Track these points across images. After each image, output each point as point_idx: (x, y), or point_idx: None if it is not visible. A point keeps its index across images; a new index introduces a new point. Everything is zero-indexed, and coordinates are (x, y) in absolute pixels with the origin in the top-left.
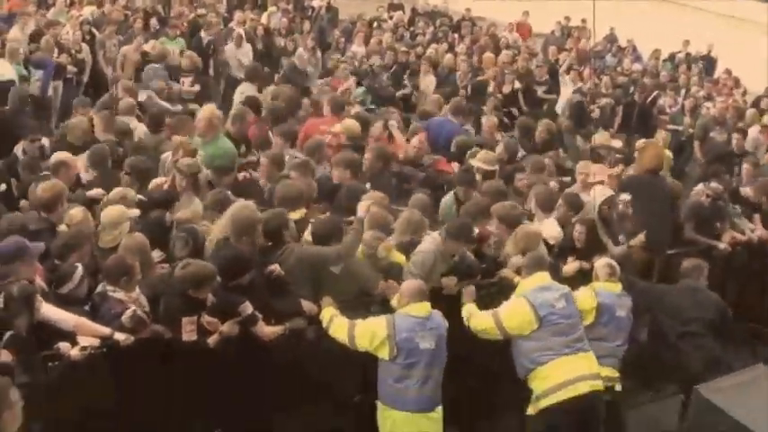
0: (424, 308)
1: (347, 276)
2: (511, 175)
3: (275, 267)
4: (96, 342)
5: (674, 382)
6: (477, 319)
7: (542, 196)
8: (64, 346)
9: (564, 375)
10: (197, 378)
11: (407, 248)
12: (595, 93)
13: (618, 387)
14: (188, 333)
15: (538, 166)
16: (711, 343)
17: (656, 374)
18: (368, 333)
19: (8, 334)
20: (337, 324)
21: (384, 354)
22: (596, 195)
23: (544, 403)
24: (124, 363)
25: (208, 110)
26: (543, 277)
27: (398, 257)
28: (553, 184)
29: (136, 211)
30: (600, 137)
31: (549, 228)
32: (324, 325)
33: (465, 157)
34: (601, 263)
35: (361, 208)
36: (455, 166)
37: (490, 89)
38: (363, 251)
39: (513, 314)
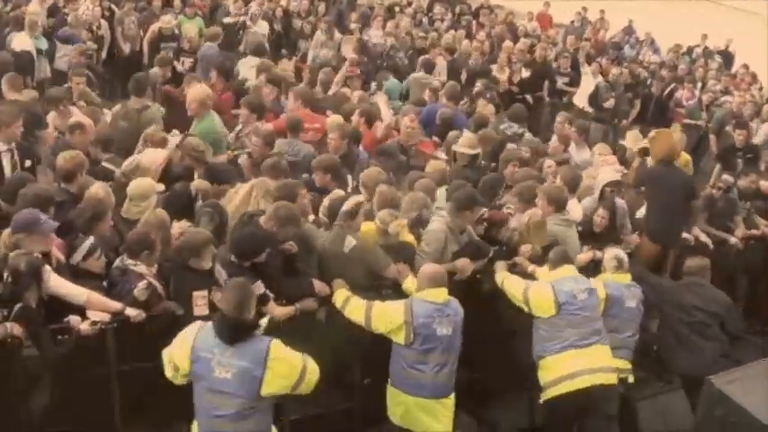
0: (441, 294)
1: (356, 258)
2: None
3: (291, 245)
4: (107, 317)
5: (684, 373)
6: (511, 282)
7: (568, 177)
8: (74, 319)
9: (568, 368)
10: None
11: (416, 226)
12: (613, 82)
13: (631, 378)
14: (199, 307)
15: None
16: (718, 333)
17: (665, 365)
18: (385, 316)
19: (17, 306)
20: (353, 305)
21: (400, 339)
22: (602, 177)
23: (549, 394)
24: (134, 338)
25: (198, 90)
26: (569, 269)
27: (408, 237)
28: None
29: (161, 186)
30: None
31: (574, 210)
32: (339, 305)
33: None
34: (609, 255)
35: (348, 204)
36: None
37: (502, 76)
38: (375, 229)
39: (538, 294)
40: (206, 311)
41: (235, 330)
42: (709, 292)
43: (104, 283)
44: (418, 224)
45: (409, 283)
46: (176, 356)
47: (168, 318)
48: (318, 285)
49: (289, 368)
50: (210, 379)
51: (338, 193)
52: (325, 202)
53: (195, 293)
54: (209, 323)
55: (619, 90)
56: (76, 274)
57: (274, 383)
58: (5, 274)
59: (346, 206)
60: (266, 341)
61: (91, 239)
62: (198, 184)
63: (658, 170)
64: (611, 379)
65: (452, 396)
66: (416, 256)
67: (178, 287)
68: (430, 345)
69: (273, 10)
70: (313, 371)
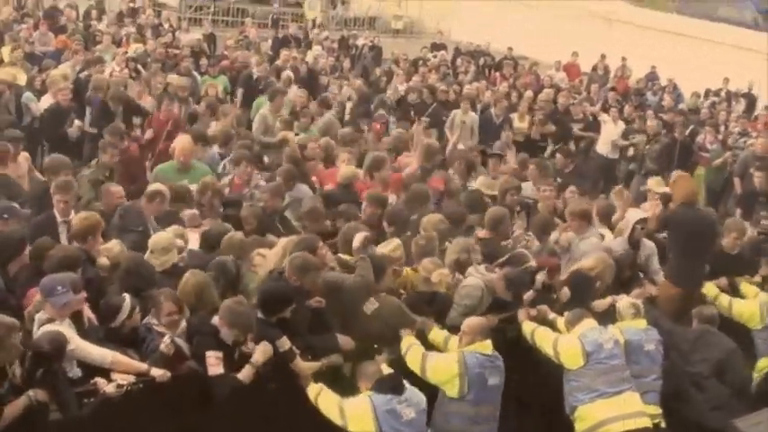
0: (489, 345)
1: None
2: None
3: (320, 301)
4: (132, 378)
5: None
6: (541, 335)
7: (603, 208)
8: (100, 381)
9: (603, 415)
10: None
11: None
12: (629, 129)
13: (663, 424)
14: (212, 366)
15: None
16: (715, 385)
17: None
18: (439, 368)
19: (38, 372)
20: (413, 353)
21: (454, 391)
22: (632, 216)
23: None
24: (160, 399)
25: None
26: (591, 322)
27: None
28: None
29: (180, 242)
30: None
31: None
32: (402, 351)
33: None
34: (625, 303)
35: (357, 240)
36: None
37: (522, 125)
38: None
39: (567, 347)
40: (220, 370)
41: None
42: (716, 339)
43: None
44: (458, 267)
45: (434, 334)
46: None
47: (193, 377)
48: (343, 340)
49: None
50: None
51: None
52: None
53: (209, 353)
54: None
55: (634, 137)
56: (110, 334)
57: None
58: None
59: (356, 243)
60: None
61: (127, 297)
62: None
63: (680, 213)
64: (646, 422)
65: None
66: (453, 307)
67: (198, 347)
68: (482, 395)
69: (297, 68)
70: None
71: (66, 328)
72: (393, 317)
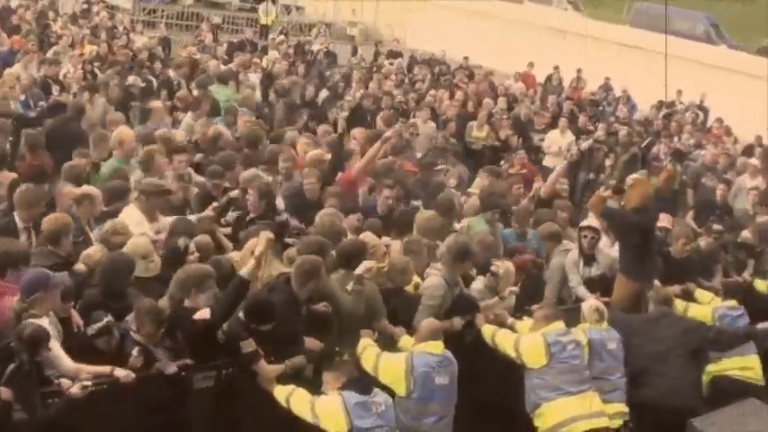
0: (439, 346)
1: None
2: None
3: (326, 306)
4: (97, 379)
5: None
6: (502, 336)
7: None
8: (65, 382)
9: (565, 414)
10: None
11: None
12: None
13: (630, 424)
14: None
15: None
16: (682, 363)
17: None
18: (388, 368)
19: (9, 368)
20: (368, 353)
21: (401, 390)
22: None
23: None
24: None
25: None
26: (560, 325)
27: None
28: None
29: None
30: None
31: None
32: (358, 352)
33: None
34: (590, 308)
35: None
36: None
37: (481, 134)
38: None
39: (530, 345)
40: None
41: None
42: (676, 317)
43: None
44: None
45: (404, 341)
46: None
47: (159, 378)
48: (309, 342)
49: None
50: None
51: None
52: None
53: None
54: None
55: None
56: (89, 347)
57: None
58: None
59: (360, 270)
60: None
61: (109, 318)
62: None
63: (632, 214)
64: (605, 422)
65: None
66: (420, 309)
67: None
68: (429, 394)
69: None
70: None
71: (51, 329)
72: (374, 304)
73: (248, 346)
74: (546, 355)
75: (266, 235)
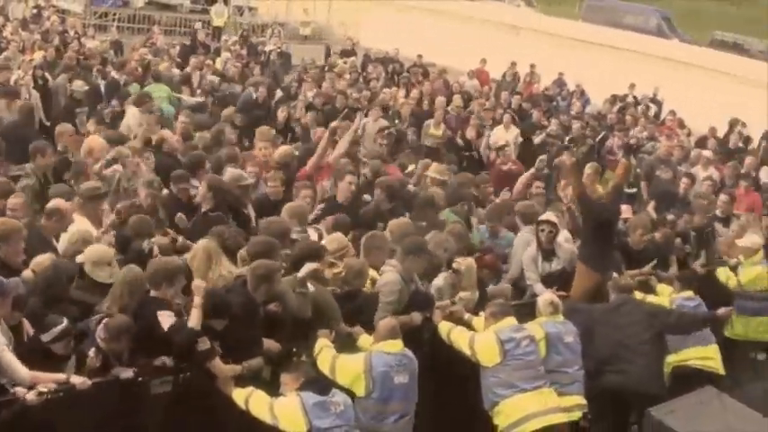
0: (398, 344)
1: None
2: None
3: (278, 306)
4: (53, 386)
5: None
6: (457, 334)
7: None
8: (20, 390)
9: (523, 411)
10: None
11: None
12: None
13: (589, 415)
14: (166, 319)
15: None
16: (648, 349)
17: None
18: (346, 368)
19: None
20: (324, 354)
21: (360, 390)
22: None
23: None
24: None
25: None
26: (512, 321)
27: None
28: None
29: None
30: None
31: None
32: (315, 353)
33: None
34: (545, 301)
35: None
36: None
37: (438, 132)
38: None
39: (483, 344)
40: (173, 320)
41: None
42: (635, 306)
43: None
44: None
45: (363, 340)
46: None
47: (115, 385)
48: (268, 343)
49: None
50: None
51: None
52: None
53: (160, 312)
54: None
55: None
56: (44, 352)
57: None
58: None
59: (303, 272)
60: None
61: (65, 323)
62: (158, 240)
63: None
64: (563, 418)
65: None
66: (380, 309)
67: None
68: (388, 393)
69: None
70: None
71: (1, 336)
72: (325, 307)
73: (203, 343)
74: (500, 353)
75: (200, 283)
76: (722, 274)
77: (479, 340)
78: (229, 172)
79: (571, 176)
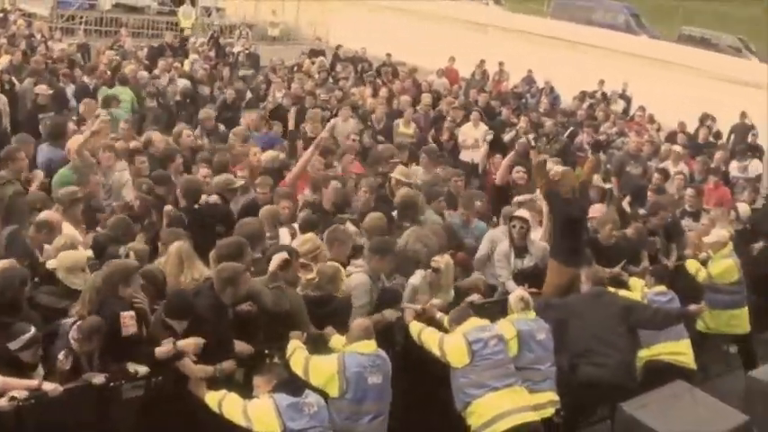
0: (371, 345)
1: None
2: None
3: (251, 306)
4: (25, 393)
5: (596, 401)
6: (427, 335)
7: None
8: None
9: (495, 410)
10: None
11: None
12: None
13: (562, 411)
14: (127, 327)
15: None
16: (623, 344)
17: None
18: (319, 369)
19: None
20: (297, 356)
21: (334, 390)
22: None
23: None
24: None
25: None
26: (476, 321)
27: None
28: None
29: (88, 252)
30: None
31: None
32: (287, 355)
33: None
34: (516, 297)
35: (276, 260)
36: None
37: (408, 131)
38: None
39: (452, 345)
40: (135, 329)
41: None
42: (611, 299)
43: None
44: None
45: (335, 341)
46: None
47: (87, 391)
48: (239, 346)
49: None
50: None
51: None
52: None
53: (123, 313)
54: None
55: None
56: (11, 360)
57: None
58: None
59: (273, 265)
60: None
61: (33, 331)
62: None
63: (561, 201)
64: (535, 417)
65: None
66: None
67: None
68: (362, 394)
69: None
70: None
71: None
72: (296, 310)
73: (168, 343)
74: (468, 354)
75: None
76: (692, 266)
77: (448, 342)
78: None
79: (538, 175)
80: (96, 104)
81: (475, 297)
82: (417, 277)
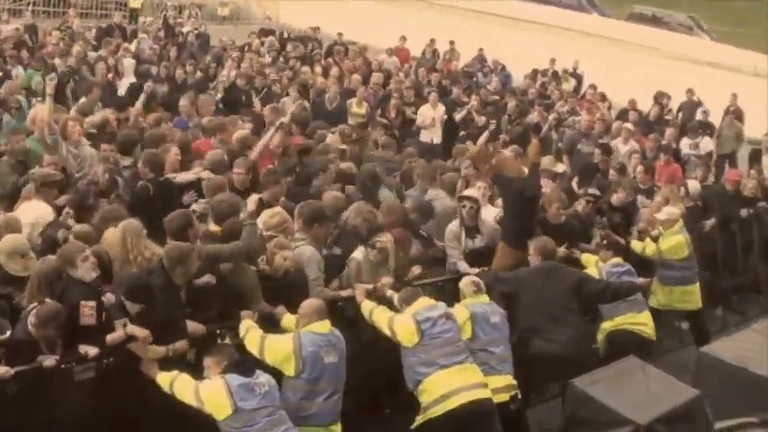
0: (326, 325)
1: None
2: None
3: (210, 278)
4: None
5: (548, 376)
6: (377, 315)
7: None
8: None
9: (446, 387)
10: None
11: None
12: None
13: (519, 394)
14: (87, 317)
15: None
16: (572, 319)
17: (533, 373)
18: (275, 348)
19: None
20: (251, 335)
21: (290, 369)
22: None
23: (430, 414)
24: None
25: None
26: (426, 301)
27: None
28: None
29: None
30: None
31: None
32: (240, 335)
33: None
34: (466, 281)
35: (251, 202)
36: None
37: (360, 110)
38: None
39: (401, 325)
40: (93, 321)
41: None
42: (563, 273)
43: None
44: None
45: (286, 320)
46: None
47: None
48: (192, 326)
49: None
50: None
51: None
52: None
53: (83, 303)
54: None
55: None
56: None
57: None
58: None
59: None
60: None
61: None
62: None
63: (511, 181)
64: (486, 394)
65: (339, 423)
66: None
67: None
68: (318, 373)
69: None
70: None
71: None
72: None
73: (119, 328)
74: (417, 333)
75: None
76: (637, 246)
77: (398, 322)
78: None
79: (479, 161)
80: (17, 86)
81: (416, 270)
82: (359, 253)
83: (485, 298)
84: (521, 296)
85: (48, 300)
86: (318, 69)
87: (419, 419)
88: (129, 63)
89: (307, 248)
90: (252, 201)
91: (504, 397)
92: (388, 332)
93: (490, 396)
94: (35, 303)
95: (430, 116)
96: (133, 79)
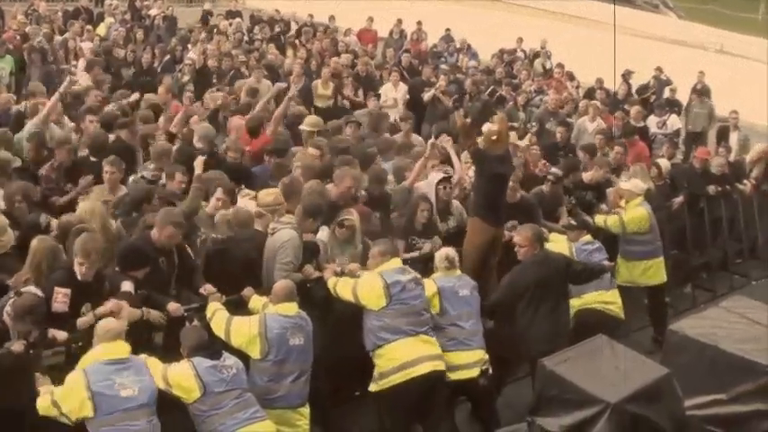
0: (293, 307)
1: None
2: None
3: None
4: None
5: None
6: (341, 286)
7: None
8: None
9: (408, 356)
10: None
11: None
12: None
13: (490, 370)
14: (58, 303)
15: None
16: (547, 311)
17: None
18: (241, 330)
19: None
20: (218, 318)
21: (255, 352)
22: (433, 177)
23: (388, 382)
24: None
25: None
26: (398, 262)
27: None
28: None
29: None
30: None
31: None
32: (208, 317)
33: None
34: (440, 255)
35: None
36: None
37: (326, 92)
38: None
39: (367, 286)
40: (65, 309)
41: None
42: (554, 258)
43: None
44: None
45: (254, 302)
46: None
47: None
48: (171, 306)
49: None
50: None
51: None
52: None
53: (57, 288)
54: None
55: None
56: None
57: None
58: None
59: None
60: None
61: None
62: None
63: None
64: (443, 366)
65: (307, 405)
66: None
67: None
68: (284, 355)
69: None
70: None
71: None
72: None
73: (127, 286)
74: (385, 296)
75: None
76: (599, 219)
77: (363, 283)
78: None
79: (466, 136)
80: None
81: None
82: (324, 234)
83: (456, 272)
84: (524, 295)
85: (26, 290)
86: (290, 52)
87: (381, 384)
88: (87, 46)
89: (287, 232)
90: (198, 163)
91: (474, 372)
92: (351, 299)
93: (444, 369)
94: (17, 290)
95: (392, 96)
96: None
